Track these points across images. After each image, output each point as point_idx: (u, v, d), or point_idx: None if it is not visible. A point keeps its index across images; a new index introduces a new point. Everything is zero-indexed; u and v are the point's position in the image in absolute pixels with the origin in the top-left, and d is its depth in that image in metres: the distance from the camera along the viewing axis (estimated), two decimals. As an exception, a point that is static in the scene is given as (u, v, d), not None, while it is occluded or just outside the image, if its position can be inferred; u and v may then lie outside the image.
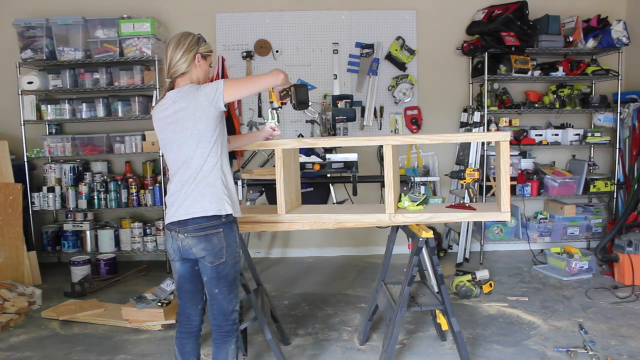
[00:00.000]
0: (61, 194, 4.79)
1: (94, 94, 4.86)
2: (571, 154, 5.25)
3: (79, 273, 4.33)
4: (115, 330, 3.43)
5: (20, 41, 4.60)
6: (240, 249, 2.25)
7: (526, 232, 4.94)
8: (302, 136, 4.91)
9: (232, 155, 4.75)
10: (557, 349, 2.97)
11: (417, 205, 2.64)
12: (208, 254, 2.14)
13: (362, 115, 4.96)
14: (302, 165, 3.61)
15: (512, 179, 4.37)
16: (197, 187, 2.13)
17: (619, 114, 4.85)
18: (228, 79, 2.30)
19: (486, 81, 4.67)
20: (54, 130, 4.95)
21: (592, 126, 5.07)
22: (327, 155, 3.67)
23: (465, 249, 4.78)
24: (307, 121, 4.85)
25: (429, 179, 4.52)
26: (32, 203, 4.71)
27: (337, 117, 3.80)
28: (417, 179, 4.17)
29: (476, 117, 4.75)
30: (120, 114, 4.74)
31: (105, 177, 4.85)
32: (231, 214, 2.18)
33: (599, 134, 4.91)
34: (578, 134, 4.91)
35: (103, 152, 4.82)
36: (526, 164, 4.95)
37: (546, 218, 4.96)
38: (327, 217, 2.62)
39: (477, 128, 4.68)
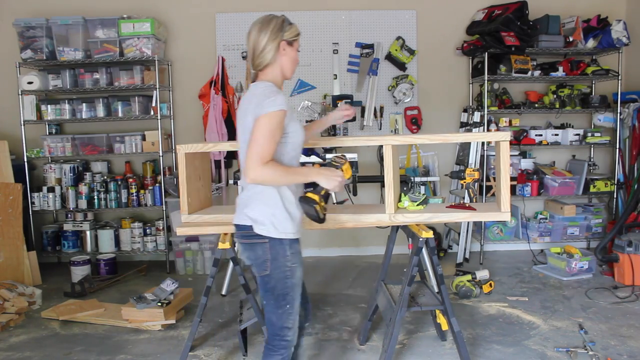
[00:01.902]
0: (61, 194, 4.78)
1: (94, 94, 4.86)
2: (571, 154, 5.25)
3: (79, 273, 4.33)
4: (115, 330, 3.43)
5: (20, 41, 4.60)
6: (295, 264, 2.04)
7: (526, 232, 4.94)
8: (302, 136, 4.89)
9: (233, 155, 4.74)
10: (557, 349, 2.97)
11: (417, 205, 2.64)
12: (253, 263, 2.03)
13: (362, 115, 4.96)
14: (302, 166, 3.60)
15: (512, 179, 4.37)
16: (248, 194, 2.01)
17: (619, 114, 4.85)
18: (265, 138, 1.87)
19: (486, 81, 4.67)
20: (54, 130, 4.95)
21: (592, 126, 5.07)
22: (327, 155, 3.66)
23: (465, 249, 4.78)
24: (307, 121, 4.85)
25: (429, 179, 4.52)
26: (32, 203, 4.71)
27: (337, 117, 3.79)
28: (417, 179, 4.17)
29: (476, 117, 4.74)
30: (120, 114, 4.73)
31: (105, 177, 4.85)
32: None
33: (599, 134, 4.90)
34: (578, 134, 4.91)
35: (103, 152, 4.81)
36: (526, 164, 4.94)
37: (546, 218, 4.96)
38: (327, 217, 2.61)
39: (477, 128, 4.68)
